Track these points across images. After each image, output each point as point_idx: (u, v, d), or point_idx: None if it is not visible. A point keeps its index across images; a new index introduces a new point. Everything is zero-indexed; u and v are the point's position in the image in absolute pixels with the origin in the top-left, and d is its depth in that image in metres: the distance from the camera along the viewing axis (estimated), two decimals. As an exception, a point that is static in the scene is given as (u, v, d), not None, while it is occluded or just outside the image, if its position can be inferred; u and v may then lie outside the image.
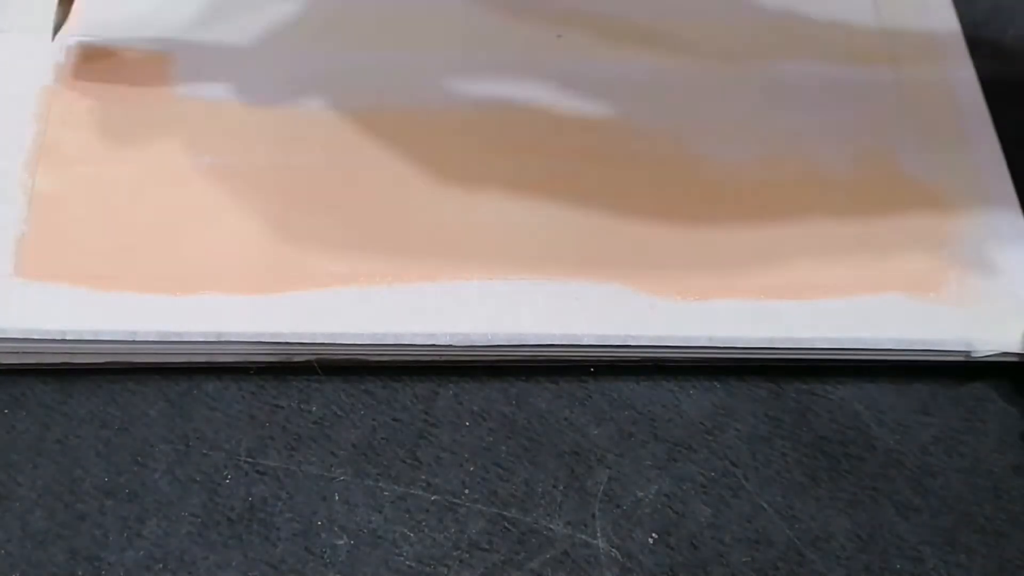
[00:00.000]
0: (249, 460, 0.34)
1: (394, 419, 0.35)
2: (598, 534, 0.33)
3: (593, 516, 0.33)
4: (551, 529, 0.33)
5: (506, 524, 0.33)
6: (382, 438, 0.34)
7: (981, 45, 0.43)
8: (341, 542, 0.33)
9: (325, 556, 0.32)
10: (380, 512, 0.33)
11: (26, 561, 0.32)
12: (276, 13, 0.41)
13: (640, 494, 0.34)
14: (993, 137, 0.41)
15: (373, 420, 0.35)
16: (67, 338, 0.33)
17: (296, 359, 0.35)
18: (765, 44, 0.42)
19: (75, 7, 0.38)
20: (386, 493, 0.33)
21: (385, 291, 0.35)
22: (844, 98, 0.41)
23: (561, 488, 0.34)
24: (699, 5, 0.43)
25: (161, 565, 0.32)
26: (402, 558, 0.32)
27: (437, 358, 0.35)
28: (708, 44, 0.42)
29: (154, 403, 0.34)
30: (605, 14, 0.42)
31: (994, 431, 0.36)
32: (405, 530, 0.33)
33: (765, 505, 0.34)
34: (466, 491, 0.34)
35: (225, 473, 0.33)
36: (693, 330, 0.35)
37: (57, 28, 0.38)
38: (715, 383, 0.36)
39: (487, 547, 0.33)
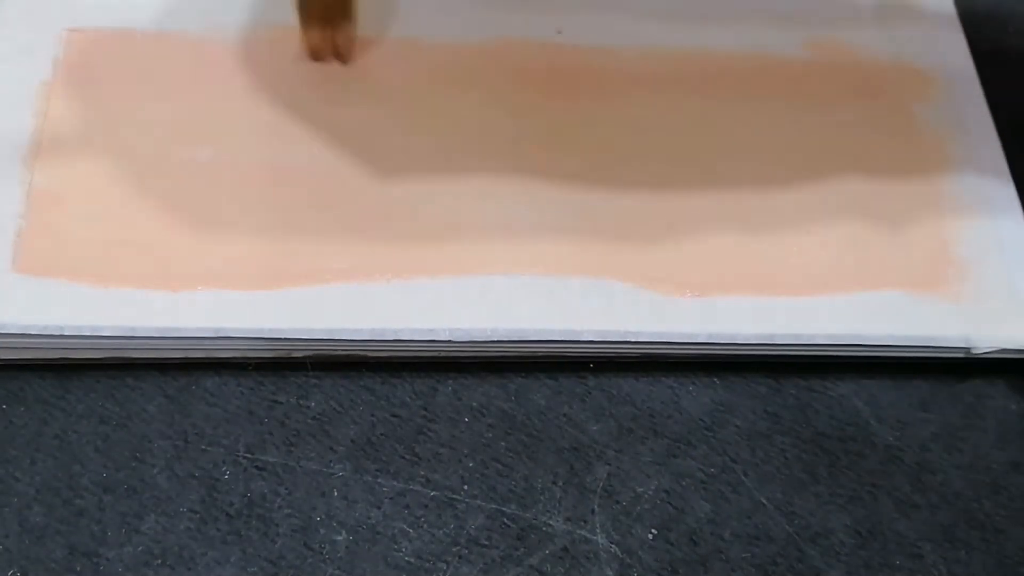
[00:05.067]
0: (248, 456, 0.34)
1: (393, 415, 0.35)
2: (598, 530, 0.33)
3: (593, 512, 0.33)
4: (550, 525, 0.33)
5: (505, 520, 0.33)
6: (381, 434, 0.34)
7: (982, 43, 0.43)
8: (340, 538, 0.32)
9: (324, 552, 0.32)
10: (379, 508, 0.33)
11: (24, 556, 0.31)
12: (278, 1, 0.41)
13: (640, 490, 0.34)
14: (993, 134, 0.41)
15: (372, 416, 0.35)
16: (65, 334, 0.33)
17: (295, 355, 0.35)
18: (765, 41, 0.42)
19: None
20: (385, 489, 0.33)
21: (384, 287, 0.35)
22: (843, 95, 0.41)
23: (560, 484, 0.34)
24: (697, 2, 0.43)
25: (160, 561, 0.32)
26: (401, 554, 0.32)
27: (436, 354, 0.35)
28: (708, 38, 0.42)
29: (152, 399, 0.34)
30: (605, 10, 0.42)
31: (993, 428, 0.36)
32: (404, 526, 0.33)
33: (764, 501, 0.34)
34: (465, 487, 0.34)
35: (224, 469, 0.33)
36: (693, 326, 0.35)
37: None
38: (714, 379, 0.36)
39: (486, 543, 0.33)
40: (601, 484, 0.34)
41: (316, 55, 0.39)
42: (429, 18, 0.41)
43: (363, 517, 0.33)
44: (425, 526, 0.33)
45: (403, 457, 0.34)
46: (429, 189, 0.37)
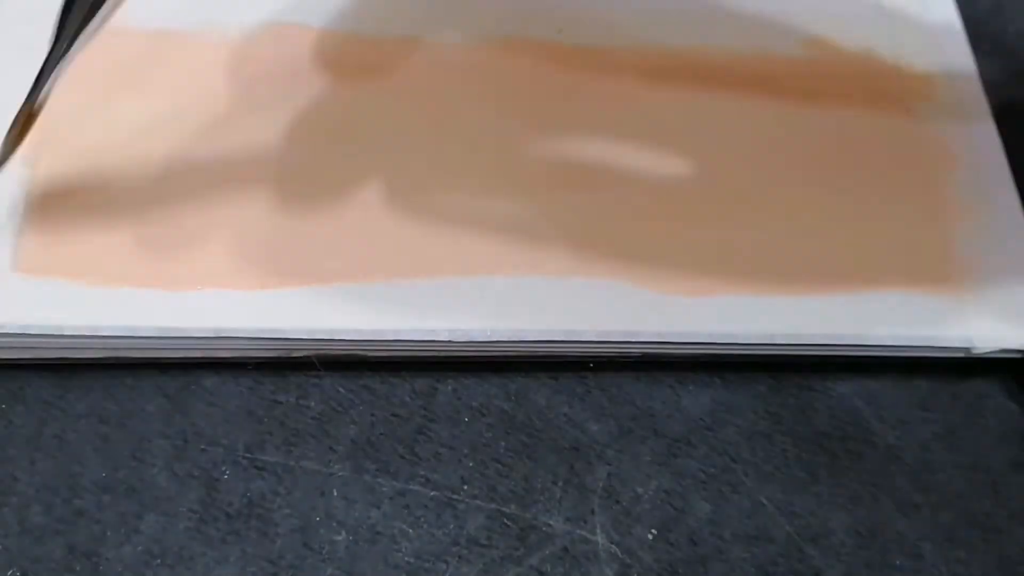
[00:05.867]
0: (247, 456, 0.34)
1: (393, 415, 0.35)
2: (597, 530, 0.33)
3: (592, 512, 0.33)
4: (550, 525, 0.33)
5: (505, 520, 0.33)
6: (381, 434, 0.34)
7: (983, 41, 0.43)
8: (340, 538, 0.32)
9: (324, 552, 0.32)
10: (379, 508, 0.33)
11: (24, 556, 0.31)
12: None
13: (640, 490, 0.34)
14: (994, 134, 0.41)
15: (372, 415, 0.35)
16: (65, 333, 0.33)
17: (295, 355, 0.35)
18: (765, 41, 0.42)
19: None
20: (385, 489, 0.33)
21: (384, 287, 0.35)
22: (843, 94, 0.41)
23: (560, 484, 0.34)
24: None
25: (159, 561, 0.32)
26: (401, 554, 0.32)
27: (436, 354, 0.35)
28: (708, 38, 0.42)
29: (152, 398, 0.34)
30: (605, 10, 0.42)
31: (994, 427, 0.36)
32: (404, 526, 0.33)
33: (765, 501, 0.34)
34: (465, 487, 0.34)
35: (223, 469, 0.33)
36: (693, 325, 0.35)
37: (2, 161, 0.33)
38: (715, 379, 0.36)
39: (486, 543, 0.33)
40: (601, 484, 0.34)
41: None
42: (429, 18, 0.41)
43: (363, 517, 0.33)
44: (425, 526, 0.33)
45: (403, 457, 0.34)
46: (429, 188, 0.37)
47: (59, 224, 0.35)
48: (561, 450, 0.34)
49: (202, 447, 0.34)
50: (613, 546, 0.33)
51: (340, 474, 0.34)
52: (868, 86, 0.42)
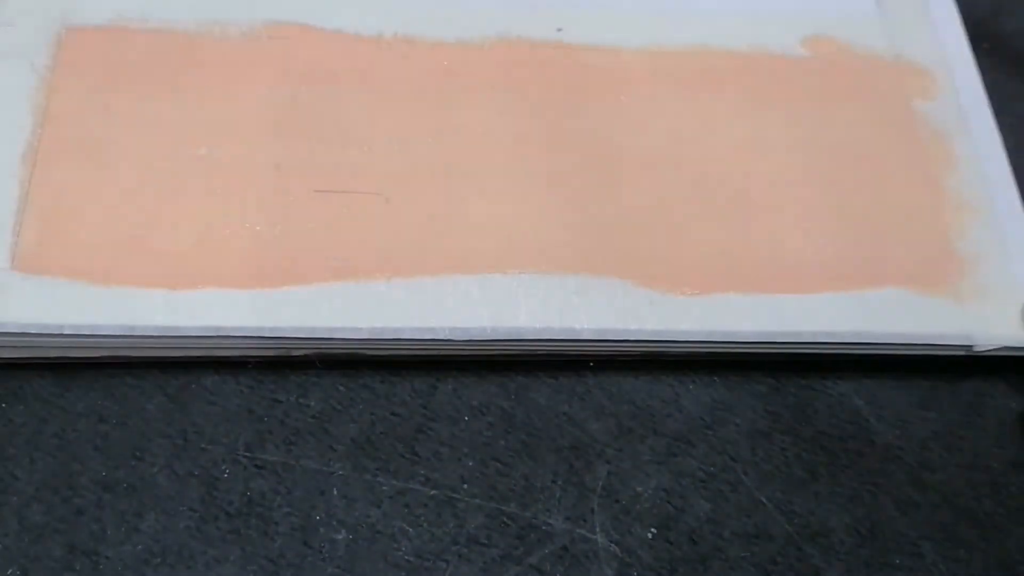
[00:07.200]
0: (247, 454, 0.34)
1: (393, 414, 0.35)
2: (597, 529, 0.33)
3: (592, 511, 0.33)
4: (550, 524, 0.33)
5: (505, 519, 0.33)
6: (381, 432, 0.34)
7: (983, 41, 0.43)
8: (340, 536, 0.32)
9: (324, 550, 0.32)
10: (379, 507, 0.33)
11: (24, 555, 0.31)
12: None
13: (639, 489, 0.34)
14: (994, 131, 0.41)
15: (372, 414, 0.35)
16: (65, 332, 0.33)
17: (295, 354, 0.35)
18: (765, 40, 0.42)
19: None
20: (385, 488, 0.33)
21: (384, 286, 0.35)
22: (843, 93, 0.41)
23: (560, 483, 0.34)
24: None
25: (159, 559, 0.32)
26: (401, 553, 0.32)
27: (436, 353, 0.35)
28: (708, 37, 0.42)
29: (152, 397, 0.34)
30: (605, 9, 0.42)
31: (993, 427, 0.36)
32: (404, 525, 0.33)
33: (764, 500, 0.34)
34: (465, 486, 0.34)
35: (223, 467, 0.33)
36: (692, 324, 0.35)
37: None
38: (714, 378, 0.36)
39: (486, 542, 0.33)
40: (601, 483, 0.34)
41: None
42: (429, 18, 0.41)
43: (363, 516, 0.33)
44: (425, 525, 0.33)
45: (403, 456, 0.34)
46: (429, 188, 0.37)
47: (59, 224, 0.35)
48: (561, 449, 0.34)
49: (202, 446, 0.34)
50: (613, 545, 0.33)
51: (340, 473, 0.34)
52: (868, 85, 0.42)
